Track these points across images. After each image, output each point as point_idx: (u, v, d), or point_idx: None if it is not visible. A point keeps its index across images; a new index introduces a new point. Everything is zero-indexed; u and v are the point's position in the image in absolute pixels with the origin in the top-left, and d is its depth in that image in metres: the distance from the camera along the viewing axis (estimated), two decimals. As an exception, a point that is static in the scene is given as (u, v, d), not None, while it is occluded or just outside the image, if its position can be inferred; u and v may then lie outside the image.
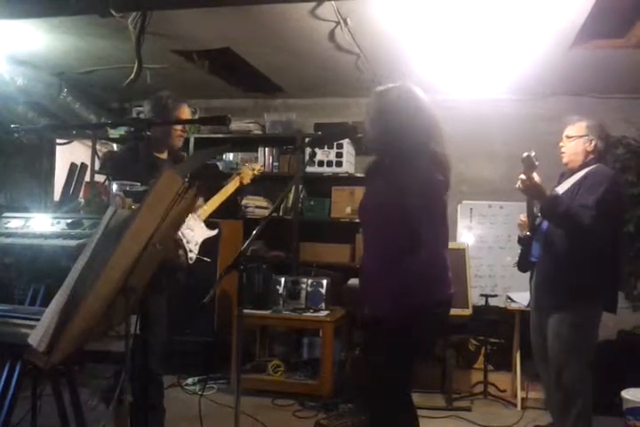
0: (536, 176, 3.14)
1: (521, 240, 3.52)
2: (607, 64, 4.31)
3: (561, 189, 3.39)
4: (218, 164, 5.61)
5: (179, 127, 3.38)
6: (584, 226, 3.06)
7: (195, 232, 3.46)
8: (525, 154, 3.06)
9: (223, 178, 4.05)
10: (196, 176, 3.60)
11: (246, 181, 3.80)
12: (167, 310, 3.71)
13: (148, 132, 2.87)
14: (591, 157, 3.34)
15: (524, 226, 3.51)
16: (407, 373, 2.50)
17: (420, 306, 2.36)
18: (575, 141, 3.35)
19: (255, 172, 3.90)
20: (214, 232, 3.59)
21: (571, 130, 3.40)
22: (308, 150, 5.13)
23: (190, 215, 3.40)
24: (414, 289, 2.36)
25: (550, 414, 3.50)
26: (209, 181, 3.78)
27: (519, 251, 3.53)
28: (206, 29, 3.86)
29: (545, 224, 3.34)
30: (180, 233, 3.39)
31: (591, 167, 3.32)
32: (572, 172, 3.41)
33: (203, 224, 3.55)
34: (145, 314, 3.49)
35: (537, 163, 3.08)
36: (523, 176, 3.16)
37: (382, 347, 2.50)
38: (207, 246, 3.53)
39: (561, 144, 3.43)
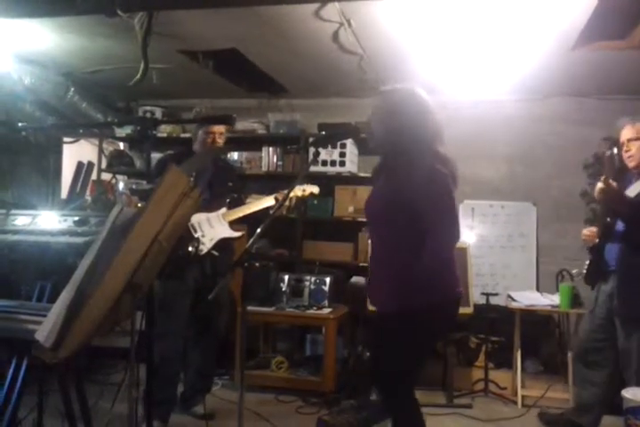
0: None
1: (591, 250, 3.45)
2: (609, 65, 4.32)
3: (630, 192, 3.28)
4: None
5: (209, 139, 3.72)
6: None
7: (215, 229, 3.67)
8: (609, 152, 2.98)
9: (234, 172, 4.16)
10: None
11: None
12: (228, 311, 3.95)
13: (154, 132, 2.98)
14: None
15: (590, 239, 3.46)
16: (410, 372, 2.48)
17: (424, 306, 2.36)
18: None
19: (305, 193, 3.94)
20: (237, 234, 3.74)
21: (632, 132, 3.30)
22: (311, 150, 5.12)
23: (215, 214, 3.69)
24: (418, 288, 2.36)
25: (575, 413, 3.56)
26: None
27: (587, 262, 3.49)
28: (212, 30, 3.89)
29: (621, 228, 3.26)
30: (197, 226, 3.53)
31: None
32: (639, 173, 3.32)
33: (227, 225, 3.71)
34: (204, 316, 3.73)
35: (617, 162, 3.04)
36: (601, 184, 3.08)
37: (385, 345, 2.51)
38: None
39: (625, 149, 3.30)
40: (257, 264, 4.80)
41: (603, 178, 3.05)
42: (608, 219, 3.35)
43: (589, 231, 3.50)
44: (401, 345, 2.43)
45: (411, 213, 2.37)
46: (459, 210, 5.12)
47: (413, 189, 2.37)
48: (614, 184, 3.06)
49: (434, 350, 4.69)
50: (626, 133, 3.32)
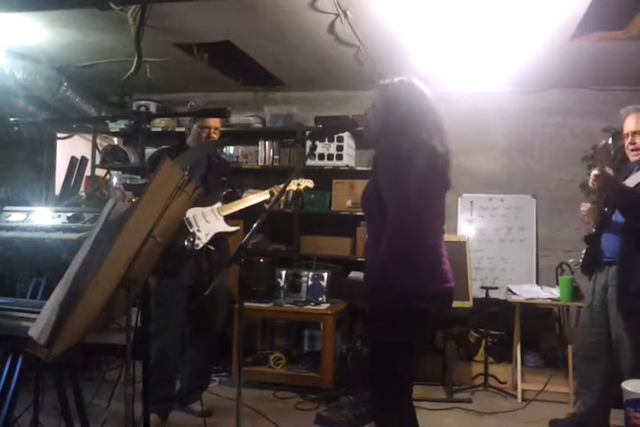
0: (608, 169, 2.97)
1: (588, 238, 3.39)
2: (608, 56, 4.29)
3: (630, 182, 3.21)
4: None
5: (204, 134, 3.70)
6: None
7: (210, 224, 3.66)
8: (603, 141, 2.95)
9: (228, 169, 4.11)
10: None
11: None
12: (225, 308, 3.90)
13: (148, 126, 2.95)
14: None
15: (587, 215, 3.39)
16: (396, 370, 2.35)
17: (398, 299, 2.24)
18: None
19: (300, 187, 3.92)
20: (233, 229, 3.72)
21: (638, 124, 3.22)
22: (308, 143, 5.12)
23: (210, 209, 3.68)
24: (392, 282, 2.23)
25: (586, 415, 3.50)
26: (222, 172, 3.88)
27: (583, 251, 3.43)
28: (206, 22, 3.84)
29: (620, 219, 3.19)
30: (192, 221, 3.51)
31: None
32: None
33: (222, 219, 3.70)
34: (201, 313, 3.72)
35: (612, 152, 2.99)
36: (595, 172, 3.00)
37: (370, 341, 2.45)
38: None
39: (629, 141, 3.25)
40: (261, 260, 4.77)
41: (599, 165, 2.97)
42: (606, 209, 3.33)
43: (585, 207, 3.43)
44: (381, 341, 2.35)
45: (382, 202, 2.28)
46: (458, 203, 5.24)
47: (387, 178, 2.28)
48: (610, 171, 2.98)
49: (433, 348, 4.68)
50: (630, 125, 3.26)
